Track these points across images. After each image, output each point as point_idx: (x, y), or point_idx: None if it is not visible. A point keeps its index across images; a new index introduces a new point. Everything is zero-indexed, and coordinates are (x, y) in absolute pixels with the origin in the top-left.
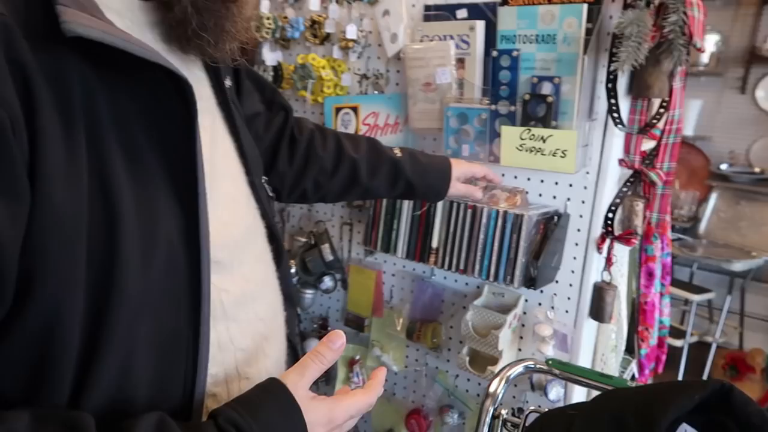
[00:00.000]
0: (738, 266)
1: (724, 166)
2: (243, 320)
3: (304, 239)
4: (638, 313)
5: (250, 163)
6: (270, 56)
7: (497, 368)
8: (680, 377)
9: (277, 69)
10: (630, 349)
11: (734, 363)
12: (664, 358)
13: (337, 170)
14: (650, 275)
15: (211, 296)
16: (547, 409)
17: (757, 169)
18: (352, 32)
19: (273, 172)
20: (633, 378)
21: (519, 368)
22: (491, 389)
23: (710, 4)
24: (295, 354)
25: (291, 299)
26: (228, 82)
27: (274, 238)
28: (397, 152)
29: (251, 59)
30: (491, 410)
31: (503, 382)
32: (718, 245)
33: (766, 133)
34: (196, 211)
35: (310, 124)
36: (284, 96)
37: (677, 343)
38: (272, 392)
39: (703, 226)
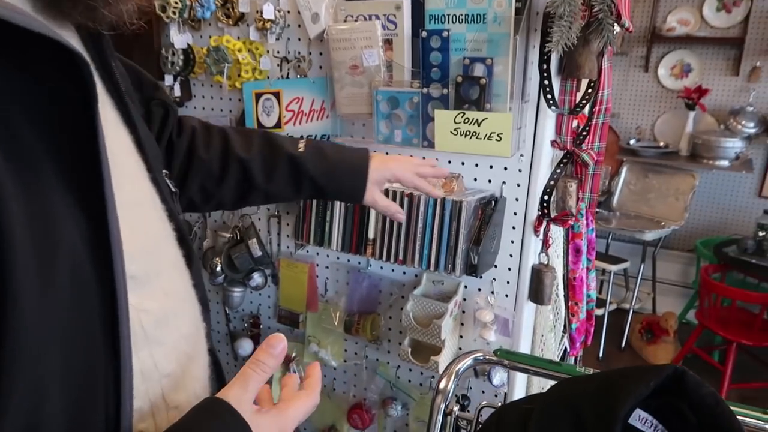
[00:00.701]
0: (649, 236)
1: (632, 142)
2: (167, 342)
3: (228, 235)
4: (567, 289)
5: (150, 157)
6: (178, 38)
7: (440, 358)
8: (602, 344)
9: (188, 53)
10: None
11: (650, 327)
12: (592, 330)
13: (225, 174)
14: (577, 251)
15: (132, 318)
16: (499, 404)
17: (661, 144)
18: (269, 12)
19: None
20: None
21: (468, 361)
22: (441, 386)
23: None
24: (219, 368)
25: (207, 307)
26: (120, 67)
27: (183, 240)
28: (300, 147)
29: (151, 42)
30: (442, 407)
31: (453, 377)
32: (630, 217)
33: (668, 109)
34: (103, 217)
35: (193, 122)
36: (198, 82)
37: (598, 311)
38: (215, 413)
39: (615, 199)
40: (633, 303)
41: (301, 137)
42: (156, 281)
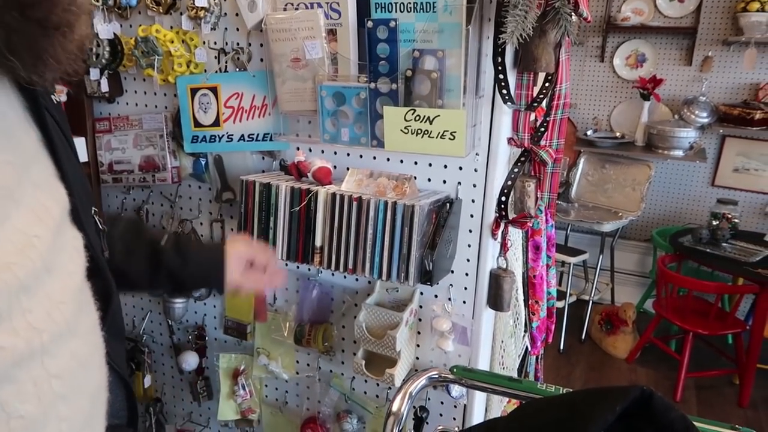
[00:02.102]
0: (607, 227)
1: (589, 132)
2: (25, 380)
3: None
4: (528, 287)
5: (73, 190)
6: (103, 28)
7: (396, 370)
8: (562, 336)
9: (115, 43)
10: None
11: (609, 318)
12: (553, 327)
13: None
14: (537, 249)
15: None
16: (457, 429)
17: (617, 134)
18: (201, 0)
19: None
20: (536, 360)
21: (422, 381)
22: (394, 408)
23: None
24: (127, 389)
25: (120, 335)
26: (57, 98)
27: (99, 273)
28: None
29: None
30: (396, 431)
31: (406, 398)
32: (588, 208)
33: (624, 99)
34: None
35: None
36: (130, 76)
37: (558, 304)
38: None
39: (574, 191)
40: (592, 294)
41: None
42: (22, 316)
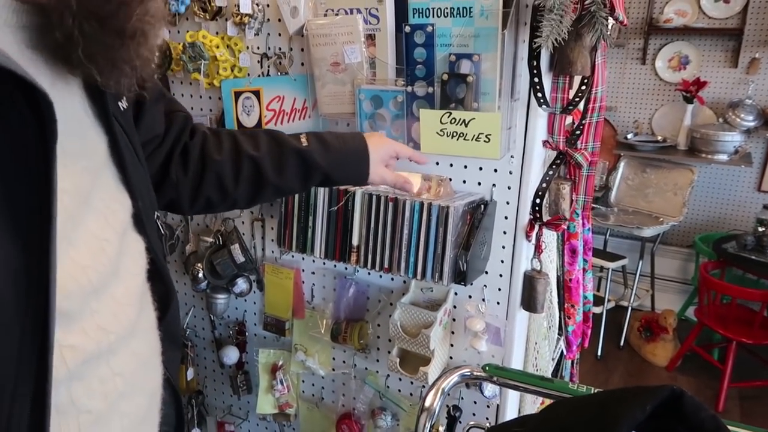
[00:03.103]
0: (648, 232)
1: (630, 136)
2: (92, 378)
3: (210, 239)
4: (563, 290)
5: (137, 195)
6: None
7: (430, 368)
8: (600, 341)
9: (164, 49)
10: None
11: (648, 325)
12: (589, 332)
13: (239, 173)
14: (573, 252)
15: (54, 354)
16: (488, 426)
17: (659, 138)
18: (246, 6)
19: (167, 183)
20: (571, 364)
21: (454, 378)
22: (427, 403)
23: None
24: (177, 398)
25: (177, 342)
26: (123, 104)
27: (159, 277)
28: (304, 141)
29: None
30: (428, 426)
31: (439, 394)
32: (628, 212)
33: (666, 102)
34: (45, 257)
35: (202, 128)
36: (177, 80)
37: (596, 310)
38: None
39: (613, 195)
40: (631, 300)
41: (302, 133)
42: (91, 318)
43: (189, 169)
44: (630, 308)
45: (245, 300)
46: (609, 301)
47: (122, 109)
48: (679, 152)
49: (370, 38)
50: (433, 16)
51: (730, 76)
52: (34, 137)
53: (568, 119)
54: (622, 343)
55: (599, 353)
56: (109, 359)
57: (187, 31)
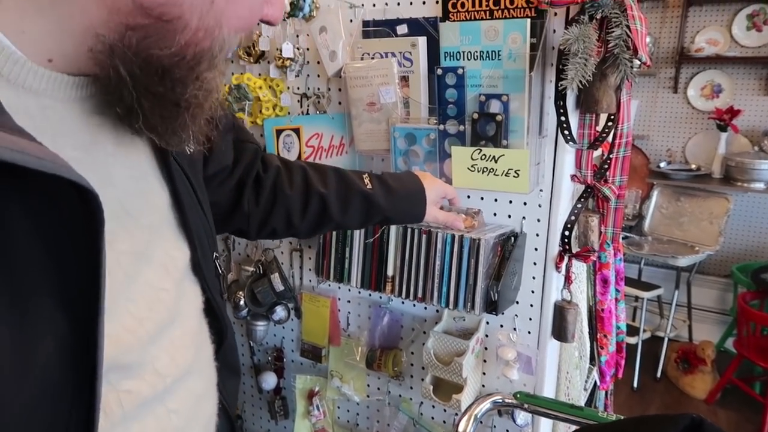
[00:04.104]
0: (683, 261)
1: (662, 164)
2: (149, 418)
3: (251, 269)
4: (596, 320)
5: (196, 241)
6: None
7: (462, 396)
8: (636, 374)
9: None
10: (590, 356)
11: (686, 356)
12: (623, 362)
13: (307, 208)
14: (605, 282)
15: (109, 399)
16: None
17: (693, 166)
18: (288, 51)
19: (238, 213)
20: (605, 395)
21: (487, 404)
22: (460, 429)
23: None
24: (231, 425)
25: (235, 370)
26: (190, 147)
27: (214, 315)
28: (368, 183)
29: None
30: None
31: (471, 421)
32: (662, 241)
33: (699, 131)
34: (93, 325)
35: (276, 161)
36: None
37: (631, 340)
38: None
39: (647, 224)
40: (668, 331)
41: (364, 173)
42: (151, 364)
43: (260, 202)
44: (666, 339)
45: (283, 327)
46: (644, 331)
47: (189, 151)
48: (714, 180)
49: (404, 80)
50: (464, 59)
51: (764, 103)
52: (84, 224)
53: (598, 151)
54: (658, 374)
55: (635, 384)
56: (165, 399)
57: (233, 73)
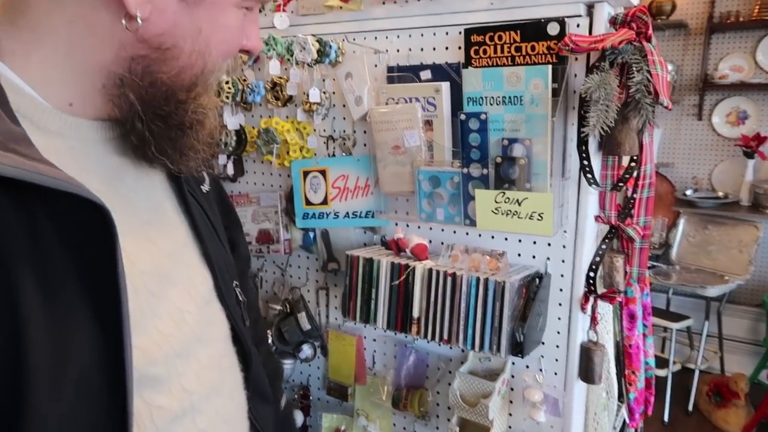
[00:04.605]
0: (713, 291)
1: (689, 192)
2: None
3: (278, 307)
4: (623, 356)
5: (216, 269)
6: (231, 120)
7: None
8: (667, 408)
9: (240, 133)
10: (618, 394)
11: (718, 389)
12: (652, 399)
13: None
14: (632, 317)
15: (142, 414)
16: None
17: (720, 194)
18: (314, 95)
19: None
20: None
21: None
22: None
23: (659, 34)
24: None
25: (266, 397)
26: (205, 187)
27: (237, 340)
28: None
29: None
30: None
31: None
32: (691, 271)
33: (726, 158)
34: (119, 335)
35: (265, 344)
36: (250, 159)
37: (661, 372)
38: None
39: (674, 252)
40: (699, 362)
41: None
42: (177, 380)
43: None
44: (697, 371)
45: (310, 365)
46: (674, 363)
47: (204, 191)
48: (742, 208)
49: (428, 124)
50: (486, 104)
51: None
52: (102, 239)
53: (624, 186)
54: (690, 408)
55: (666, 419)
56: (195, 417)
57: (261, 117)
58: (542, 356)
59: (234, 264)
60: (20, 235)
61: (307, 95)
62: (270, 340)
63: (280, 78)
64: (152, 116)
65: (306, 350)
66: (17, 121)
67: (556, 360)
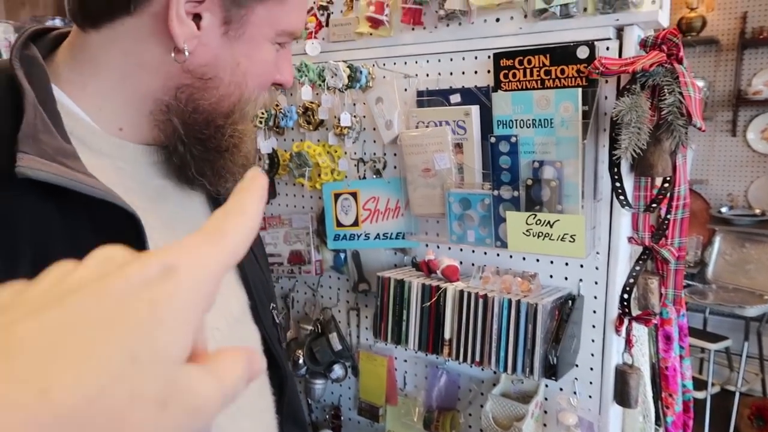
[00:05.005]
0: (752, 311)
1: (724, 209)
2: None
3: (310, 327)
4: (659, 379)
5: (252, 289)
6: (264, 144)
7: None
8: (706, 431)
9: (273, 157)
10: (655, 417)
11: (760, 412)
12: (691, 423)
13: None
14: (668, 339)
15: None
16: None
17: (757, 211)
18: (346, 120)
19: None
20: None
21: None
22: None
23: (690, 50)
24: None
25: (300, 424)
26: None
27: (273, 362)
28: None
29: None
30: None
31: None
32: (728, 290)
33: (762, 174)
34: None
35: None
36: (282, 182)
37: (699, 395)
38: None
39: (710, 271)
40: (739, 384)
41: None
42: None
43: None
44: (738, 393)
45: (341, 385)
46: (713, 385)
47: None
48: None
49: (458, 146)
50: (516, 127)
51: None
52: (135, 247)
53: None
54: (731, 431)
55: None
56: None
57: (293, 140)
58: (576, 379)
59: (272, 286)
60: (61, 238)
61: (338, 119)
62: (301, 360)
63: (312, 103)
64: (193, 140)
65: (337, 370)
66: (69, 141)
67: (591, 383)
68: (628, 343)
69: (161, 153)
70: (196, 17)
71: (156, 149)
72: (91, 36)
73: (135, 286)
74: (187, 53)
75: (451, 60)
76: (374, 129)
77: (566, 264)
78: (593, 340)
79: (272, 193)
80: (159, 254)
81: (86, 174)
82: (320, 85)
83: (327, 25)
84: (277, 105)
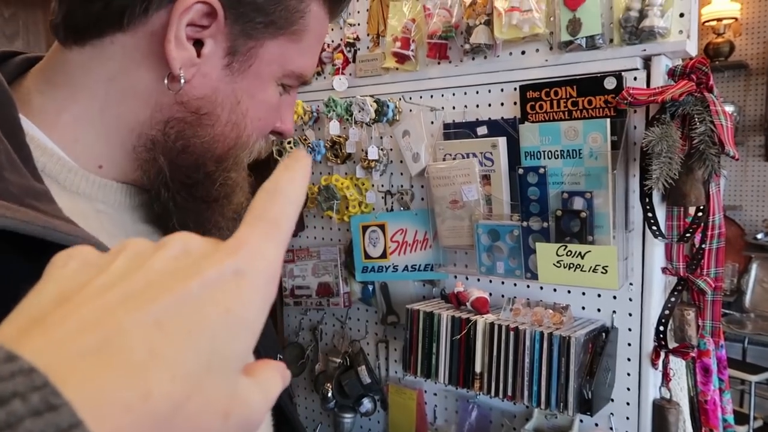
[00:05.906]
0: None
1: (760, 236)
2: None
3: (338, 360)
4: (699, 413)
5: (259, 344)
6: None
7: None
8: None
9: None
10: None
11: None
12: None
13: None
14: (706, 371)
15: None
16: None
17: None
18: (373, 153)
19: None
20: None
21: None
22: None
23: (719, 75)
24: None
25: None
26: None
27: (285, 420)
28: None
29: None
30: None
31: None
32: (766, 318)
33: None
34: None
35: None
36: (311, 215)
37: (741, 429)
38: None
39: (747, 299)
40: None
41: None
42: None
43: None
44: None
45: (370, 419)
46: (755, 418)
47: None
48: None
49: (486, 178)
50: (544, 158)
51: None
52: None
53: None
54: None
55: None
56: None
57: (321, 174)
58: (612, 414)
59: (276, 338)
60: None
61: (366, 153)
62: (330, 393)
63: (340, 137)
64: (179, 185)
65: (366, 404)
66: (41, 180)
67: (627, 418)
68: (666, 376)
69: (145, 194)
70: (197, 43)
71: (139, 190)
72: (72, 54)
73: (210, 288)
74: (183, 81)
75: (477, 92)
76: (401, 162)
77: (599, 295)
78: (629, 374)
79: (300, 225)
80: (229, 252)
81: (63, 219)
82: (348, 120)
83: (354, 61)
84: (305, 139)
